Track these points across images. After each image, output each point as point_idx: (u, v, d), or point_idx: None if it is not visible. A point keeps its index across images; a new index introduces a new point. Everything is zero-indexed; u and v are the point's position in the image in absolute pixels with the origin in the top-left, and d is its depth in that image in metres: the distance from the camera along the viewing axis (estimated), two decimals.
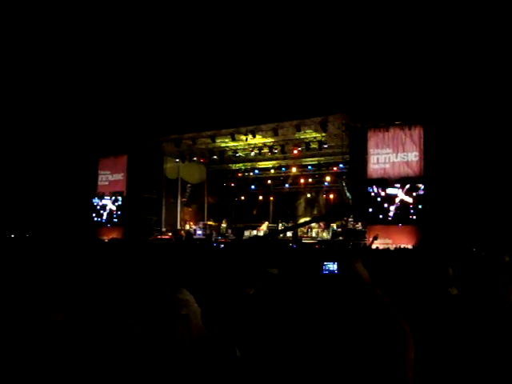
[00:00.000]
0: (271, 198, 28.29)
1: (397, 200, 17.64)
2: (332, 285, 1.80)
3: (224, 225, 25.64)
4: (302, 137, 21.46)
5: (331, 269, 1.89)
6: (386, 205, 17.81)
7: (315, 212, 26.55)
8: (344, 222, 21.54)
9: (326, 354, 1.41)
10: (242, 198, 28.85)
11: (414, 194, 17.31)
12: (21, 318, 2.49)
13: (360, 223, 19.39)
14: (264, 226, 24.34)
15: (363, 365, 1.33)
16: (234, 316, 3.04)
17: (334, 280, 1.82)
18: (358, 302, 1.44)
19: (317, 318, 1.50)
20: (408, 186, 17.43)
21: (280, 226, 24.34)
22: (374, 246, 14.84)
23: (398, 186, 17.64)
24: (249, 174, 27.38)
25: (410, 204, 17.44)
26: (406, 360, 1.36)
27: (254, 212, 27.96)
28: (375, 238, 14.67)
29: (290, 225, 24.20)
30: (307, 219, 24.74)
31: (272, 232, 22.92)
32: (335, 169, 23.89)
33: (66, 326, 2.43)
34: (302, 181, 26.28)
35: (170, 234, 23.59)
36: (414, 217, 17.28)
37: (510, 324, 2.31)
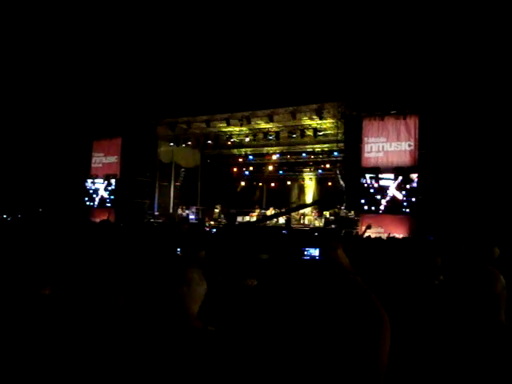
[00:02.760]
0: (265, 185, 28.33)
1: (388, 193, 17.66)
2: (313, 270, 1.79)
3: (217, 210, 25.67)
4: (297, 124, 21.43)
5: (312, 254, 1.89)
6: (378, 196, 17.82)
7: (308, 199, 26.61)
8: (337, 210, 21.57)
9: (306, 338, 1.41)
10: (236, 183, 28.87)
11: (407, 186, 17.30)
12: (11, 291, 2.50)
13: (353, 212, 19.40)
14: (268, 212, 24.38)
15: (340, 347, 1.34)
16: (236, 309, 3.04)
17: (314, 266, 1.81)
18: (338, 288, 1.44)
19: (298, 303, 1.50)
20: (399, 180, 17.43)
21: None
22: (366, 235, 14.85)
23: (391, 177, 17.62)
24: (243, 160, 27.37)
25: (401, 199, 17.46)
26: (381, 343, 1.36)
27: (248, 198, 27.98)
28: (368, 227, 14.68)
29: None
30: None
31: (263, 218, 22.94)
32: (330, 156, 23.91)
33: (53, 299, 2.43)
34: (296, 168, 26.33)
35: (163, 217, 23.57)
36: (407, 210, 17.30)
37: (494, 313, 2.32)
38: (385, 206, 17.71)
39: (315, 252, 1.83)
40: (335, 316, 1.41)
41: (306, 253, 1.86)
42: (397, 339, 1.59)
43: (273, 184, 28.17)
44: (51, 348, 2.10)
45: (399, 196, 17.44)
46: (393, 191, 17.54)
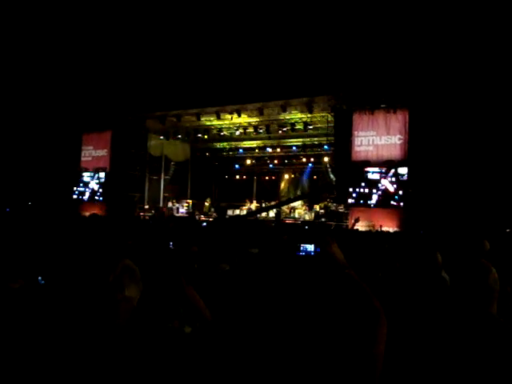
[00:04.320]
0: (255, 178, 28.37)
1: (380, 186, 17.68)
2: (308, 266, 1.80)
3: (207, 203, 25.67)
4: (287, 117, 21.44)
5: (308, 250, 1.89)
6: (368, 190, 17.86)
7: (298, 192, 26.68)
8: (327, 204, 21.62)
9: (301, 330, 1.42)
10: (226, 177, 28.89)
11: (397, 180, 17.35)
12: None
13: (343, 205, 19.45)
14: (252, 207, 24.46)
15: (336, 339, 1.35)
16: (210, 290, 3.04)
17: (310, 261, 1.82)
18: (333, 282, 1.45)
19: (293, 297, 1.51)
20: (391, 173, 17.46)
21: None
22: (354, 228, 14.88)
23: (382, 170, 17.67)
24: (233, 154, 27.36)
25: (392, 192, 17.49)
26: (378, 335, 1.38)
27: (238, 191, 28.00)
28: (356, 221, 14.72)
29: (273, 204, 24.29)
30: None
31: (252, 211, 22.97)
32: (319, 150, 23.95)
33: (22, 293, 2.41)
34: (286, 161, 26.38)
35: (153, 211, 23.55)
36: (397, 203, 17.34)
37: (486, 305, 2.34)
38: (375, 200, 17.76)
39: (310, 248, 1.84)
40: (331, 310, 1.42)
41: (301, 249, 1.87)
42: (393, 333, 1.60)
43: (263, 177, 28.23)
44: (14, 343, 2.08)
45: (391, 189, 17.47)
46: (385, 184, 17.56)
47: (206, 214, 24.16)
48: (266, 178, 28.22)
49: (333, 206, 20.63)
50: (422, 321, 2.51)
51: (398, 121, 17.73)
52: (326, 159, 23.78)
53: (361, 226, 16.17)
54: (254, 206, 24.63)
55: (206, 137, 24.34)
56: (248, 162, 27.61)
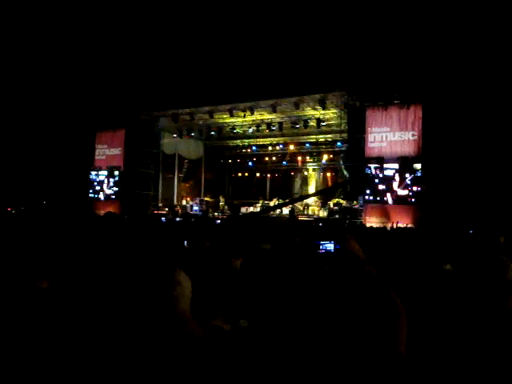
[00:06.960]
0: (268, 175, 28.35)
1: (394, 185, 17.55)
2: (328, 262, 1.80)
3: (222, 202, 25.71)
4: (300, 114, 21.41)
5: (328, 248, 1.89)
6: (382, 186, 17.77)
7: (311, 190, 26.64)
8: (341, 201, 21.56)
9: (321, 327, 1.42)
10: (239, 174, 28.91)
11: (411, 176, 17.23)
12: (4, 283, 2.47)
13: (355, 201, 19.40)
14: (271, 203, 24.46)
15: (356, 338, 1.34)
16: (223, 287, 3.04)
17: (330, 258, 1.82)
18: (353, 279, 1.44)
19: (313, 293, 1.51)
20: (405, 169, 17.34)
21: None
22: (368, 225, 14.82)
23: (395, 167, 17.56)
24: (246, 151, 27.38)
25: (407, 192, 17.38)
26: (398, 334, 1.37)
27: (251, 189, 28.01)
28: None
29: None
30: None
31: (266, 208, 22.96)
32: (333, 147, 23.92)
33: (50, 293, 2.41)
34: (299, 158, 26.34)
35: (167, 209, 23.62)
36: (411, 199, 17.23)
37: (504, 301, 2.32)
38: (389, 196, 17.67)
39: (330, 245, 1.84)
40: (350, 307, 1.42)
41: (321, 246, 1.87)
42: (409, 329, 1.59)
43: (276, 175, 28.22)
44: (43, 344, 2.07)
45: (405, 185, 17.34)
46: (399, 180, 17.45)
47: (219, 212, 24.20)
48: (280, 175, 28.18)
49: (346, 203, 20.57)
50: (432, 315, 2.49)
51: (411, 116, 17.62)
52: (339, 156, 23.72)
53: (375, 223, 16.12)
54: (272, 203, 24.61)
55: (218, 134, 24.44)
56: (261, 159, 27.62)
